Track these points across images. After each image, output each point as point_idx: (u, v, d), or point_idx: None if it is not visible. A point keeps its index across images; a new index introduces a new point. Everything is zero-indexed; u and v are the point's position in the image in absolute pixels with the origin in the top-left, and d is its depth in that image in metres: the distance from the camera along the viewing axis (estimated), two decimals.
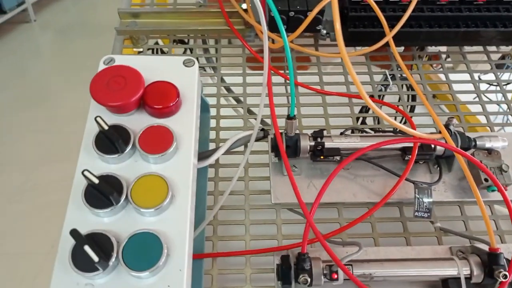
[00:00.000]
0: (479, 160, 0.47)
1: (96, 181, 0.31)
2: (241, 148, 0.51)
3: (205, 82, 0.60)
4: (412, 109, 0.62)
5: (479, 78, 0.63)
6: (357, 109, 0.59)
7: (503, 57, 0.62)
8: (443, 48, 0.61)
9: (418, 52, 0.59)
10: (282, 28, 0.39)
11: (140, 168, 0.35)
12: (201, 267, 0.43)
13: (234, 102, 0.63)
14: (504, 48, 0.59)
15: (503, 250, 0.41)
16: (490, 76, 0.61)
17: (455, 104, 0.56)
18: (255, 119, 0.49)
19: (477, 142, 0.47)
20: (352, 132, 0.57)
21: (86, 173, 0.31)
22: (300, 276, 0.37)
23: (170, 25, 0.58)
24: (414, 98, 0.66)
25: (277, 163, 0.49)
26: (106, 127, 0.33)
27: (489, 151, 0.48)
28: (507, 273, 0.38)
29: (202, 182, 0.48)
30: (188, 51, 0.63)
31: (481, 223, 0.44)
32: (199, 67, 0.63)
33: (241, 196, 0.48)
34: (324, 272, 0.38)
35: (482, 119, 0.56)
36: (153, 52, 0.81)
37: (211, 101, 0.55)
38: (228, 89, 0.65)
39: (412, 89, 0.60)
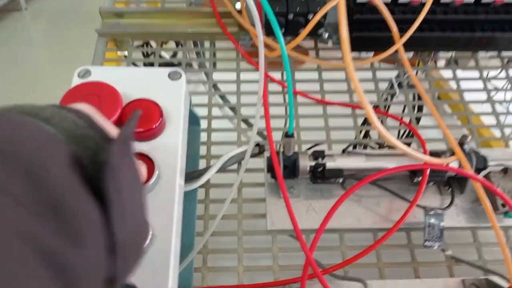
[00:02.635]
0: (495, 181, 0.43)
1: None
2: (235, 166, 0.47)
3: (196, 90, 0.55)
4: (418, 120, 0.57)
5: (494, 88, 0.59)
6: (360, 121, 0.54)
7: None
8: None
9: (429, 57, 0.54)
10: (280, 36, 0.34)
11: None
12: None
13: (229, 112, 0.58)
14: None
15: None
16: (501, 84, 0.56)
17: (467, 115, 0.52)
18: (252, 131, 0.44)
19: (491, 162, 0.43)
20: (355, 147, 0.52)
21: None
22: None
23: (157, 27, 0.52)
24: (420, 108, 0.61)
25: (274, 184, 0.45)
26: None
27: (505, 170, 0.43)
28: None
29: (191, 206, 0.44)
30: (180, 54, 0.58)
31: (495, 250, 0.41)
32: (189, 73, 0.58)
33: (233, 221, 0.44)
34: None
35: (497, 132, 0.52)
36: (143, 54, 0.76)
37: (203, 111, 0.50)
38: (222, 98, 0.60)
39: (420, 98, 0.55)
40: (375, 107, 0.52)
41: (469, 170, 0.38)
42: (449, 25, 0.49)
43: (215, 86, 0.56)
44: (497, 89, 0.58)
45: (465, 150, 0.42)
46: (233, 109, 0.52)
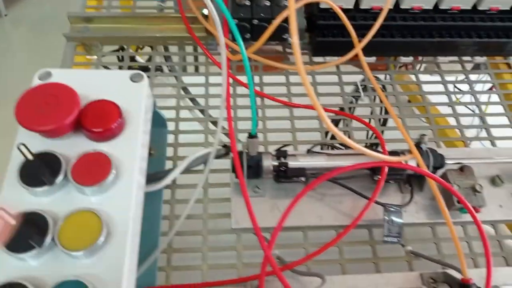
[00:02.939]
0: (452, 179, 0.44)
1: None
2: (202, 167, 0.47)
3: (165, 93, 0.55)
4: (385, 122, 0.59)
5: (455, 87, 0.61)
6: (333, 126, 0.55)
7: (477, 67, 0.60)
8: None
9: (392, 61, 0.56)
10: (239, 39, 0.35)
11: (75, 202, 0.31)
12: None
13: (199, 115, 0.59)
14: (479, 59, 0.56)
15: (475, 275, 0.38)
16: (465, 87, 0.59)
17: (428, 116, 0.54)
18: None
19: (448, 160, 0.45)
20: (322, 148, 0.54)
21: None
22: None
23: (126, 31, 0.53)
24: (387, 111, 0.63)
25: (239, 184, 0.45)
26: (30, 157, 0.29)
27: (462, 168, 0.45)
28: None
29: (156, 206, 0.44)
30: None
31: (453, 245, 0.42)
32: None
33: (199, 221, 0.44)
34: None
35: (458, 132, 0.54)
36: (118, 59, 0.76)
37: (171, 114, 0.51)
38: (192, 100, 0.61)
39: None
40: (341, 109, 0.53)
41: (423, 168, 0.40)
42: (409, 31, 0.51)
43: (185, 89, 0.57)
44: (462, 92, 0.61)
45: (422, 149, 0.43)
46: (202, 111, 0.53)
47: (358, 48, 0.43)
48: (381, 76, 0.60)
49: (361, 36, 0.48)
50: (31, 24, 2.41)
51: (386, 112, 0.61)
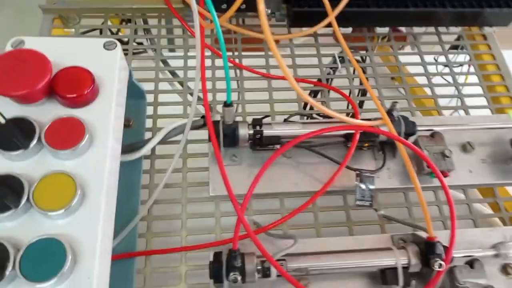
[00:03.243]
0: (423, 144, 0.46)
1: None
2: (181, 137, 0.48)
3: (145, 65, 0.55)
4: (364, 93, 0.60)
5: (435, 60, 0.62)
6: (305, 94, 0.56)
7: (458, 39, 0.61)
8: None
9: (370, 33, 0.56)
10: (212, 8, 0.36)
11: (49, 166, 0.31)
12: (132, 267, 0.41)
13: (178, 87, 0.59)
14: (453, 29, 0.57)
15: (444, 236, 0.40)
16: (441, 59, 0.60)
17: (404, 87, 0.55)
18: (200, 104, 0.46)
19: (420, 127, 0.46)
20: (301, 118, 0.55)
21: None
22: (231, 274, 0.35)
23: (104, 3, 0.53)
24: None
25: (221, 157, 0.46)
26: (2, 121, 0.30)
27: (433, 135, 0.47)
28: (442, 263, 0.37)
29: (135, 175, 0.45)
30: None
31: (416, 209, 0.44)
32: (137, 51, 0.59)
33: (178, 189, 0.45)
34: (258, 268, 0.37)
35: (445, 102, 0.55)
36: (101, 33, 0.76)
37: (150, 86, 0.51)
38: (173, 73, 0.61)
39: (364, 72, 0.58)
40: (318, 80, 0.54)
41: (393, 132, 0.41)
42: (384, 1, 0.51)
43: (164, 62, 0.57)
44: (438, 63, 0.61)
45: (394, 116, 0.44)
46: (181, 83, 0.53)
47: (331, 17, 0.44)
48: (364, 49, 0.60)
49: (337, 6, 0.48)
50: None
51: None
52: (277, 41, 0.54)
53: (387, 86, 0.56)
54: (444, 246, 0.38)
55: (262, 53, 0.55)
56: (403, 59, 0.57)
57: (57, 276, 0.27)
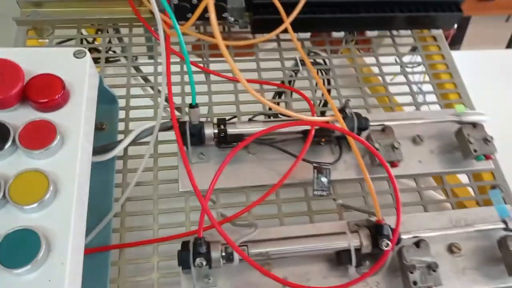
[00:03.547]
0: (374, 138, 0.50)
1: None
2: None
3: (118, 72, 0.59)
4: (329, 92, 0.64)
5: (397, 62, 0.66)
6: (269, 95, 0.61)
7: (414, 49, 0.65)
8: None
9: (327, 38, 0.61)
10: (173, 17, 0.40)
11: (24, 165, 0.34)
12: (107, 259, 0.44)
13: (151, 92, 0.63)
14: (403, 32, 0.62)
15: (392, 221, 0.44)
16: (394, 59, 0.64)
17: (360, 87, 0.59)
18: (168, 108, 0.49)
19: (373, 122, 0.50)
20: (269, 117, 0.58)
21: None
22: (197, 260, 0.38)
23: (76, 14, 0.56)
24: (330, 82, 0.69)
25: (185, 152, 0.50)
26: None
27: (384, 129, 0.51)
28: (389, 242, 0.41)
29: (109, 175, 0.48)
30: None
31: (379, 198, 0.48)
32: (111, 59, 0.62)
33: (150, 187, 0.48)
34: (222, 254, 0.40)
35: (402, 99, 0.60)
36: (81, 42, 0.78)
37: (122, 92, 0.54)
38: (145, 79, 0.64)
39: (325, 74, 0.62)
40: (282, 82, 0.58)
41: (344, 127, 0.45)
42: (338, 8, 0.55)
43: (137, 69, 0.60)
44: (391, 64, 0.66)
45: (347, 113, 0.49)
46: (152, 88, 0.56)
47: (286, 23, 0.48)
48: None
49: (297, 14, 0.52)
50: None
51: (329, 83, 0.67)
52: (251, 46, 0.58)
53: (345, 86, 0.60)
54: (391, 228, 0.43)
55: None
56: (367, 60, 0.62)
57: (32, 263, 0.30)
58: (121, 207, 0.46)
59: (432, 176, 0.56)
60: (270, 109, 0.57)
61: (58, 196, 0.33)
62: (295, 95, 0.58)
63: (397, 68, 0.62)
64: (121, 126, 0.52)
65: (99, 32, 0.70)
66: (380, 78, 0.61)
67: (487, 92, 0.65)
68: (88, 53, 0.41)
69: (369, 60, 0.63)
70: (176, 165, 0.50)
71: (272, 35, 0.51)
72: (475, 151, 0.50)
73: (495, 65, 0.96)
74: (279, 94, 0.64)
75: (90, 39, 0.70)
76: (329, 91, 0.66)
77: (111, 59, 0.67)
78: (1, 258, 0.30)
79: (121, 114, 0.53)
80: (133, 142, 0.48)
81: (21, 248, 0.30)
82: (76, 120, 0.37)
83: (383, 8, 0.57)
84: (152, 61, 0.57)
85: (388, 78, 0.61)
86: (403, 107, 0.63)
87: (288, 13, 0.52)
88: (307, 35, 0.64)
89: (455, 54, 0.64)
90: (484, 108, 0.57)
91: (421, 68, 0.64)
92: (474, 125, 0.51)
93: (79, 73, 0.39)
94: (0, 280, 0.30)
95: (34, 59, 0.38)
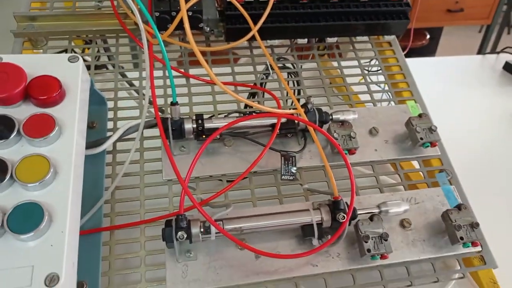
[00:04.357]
0: (333, 129, 0.57)
1: None
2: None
3: (107, 78, 0.65)
4: (299, 92, 0.71)
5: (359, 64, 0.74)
6: (243, 95, 0.67)
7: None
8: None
9: (292, 44, 0.68)
10: (154, 25, 0.46)
11: (28, 151, 0.40)
12: (99, 240, 0.49)
13: (135, 95, 0.69)
14: (360, 38, 0.70)
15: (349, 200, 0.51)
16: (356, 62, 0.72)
17: (323, 87, 0.67)
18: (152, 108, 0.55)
19: (333, 116, 0.58)
20: (243, 115, 0.65)
21: None
22: (178, 233, 0.44)
23: (67, 27, 0.62)
24: (298, 83, 0.76)
25: (168, 144, 0.56)
26: None
27: (343, 122, 0.58)
28: (344, 215, 0.48)
29: (99, 167, 0.54)
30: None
31: (340, 182, 0.55)
32: (100, 66, 0.68)
33: (137, 177, 0.54)
34: (201, 230, 0.46)
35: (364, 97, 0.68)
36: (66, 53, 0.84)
37: (111, 95, 0.61)
38: (130, 84, 0.71)
39: (294, 76, 0.70)
40: (254, 84, 0.65)
41: (305, 118, 0.52)
42: (301, 17, 0.63)
43: (123, 75, 0.67)
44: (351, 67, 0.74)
45: (309, 108, 0.56)
46: (137, 91, 0.62)
47: (253, 31, 0.55)
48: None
49: (263, 23, 0.60)
50: None
51: (298, 84, 0.74)
52: (227, 53, 0.66)
53: (312, 86, 0.67)
54: (347, 204, 0.49)
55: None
56: (334, 63, 0.70)
57: (36, 230, 0.35)
58: (111, 195, 0.52)
59: (390, 163, 0.63)
60: (245, 107, 0.64)
61: (57, 176, 0.39)
62: (266, 95, 0.65)
63: (357, 70, 0.70)
64: (110, 125, 0.58)
65: (90, 42, 0.77)
66: (342, 79, 0.69)
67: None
68: (80, 58, 0.47)
69: (335, 63, 0.71)
70: (159, 158, 0.56)
71: (242, 41, 0.58)
72: (421, 139, 0.58)
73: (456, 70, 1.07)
74: (252, 95, 0.71)
75: (80, 50, 0.76)
76: (298, 91, 0.74)
77: (99, 66, 0.74)
78: (11, 225, 0.35)
79: (110, 114, 0.59)
80: (121, 138, 0.55)
81: (28, 218, 0.36)
82: (72, 113, 0.43)
83: (341, 17, 0.65)
84: (137, 68, 0.64)
85: (349, 80, 0.69)
86: (365, 104, 0.70)
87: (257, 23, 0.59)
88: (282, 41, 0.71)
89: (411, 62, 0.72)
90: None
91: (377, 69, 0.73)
92: (420, 115, 0.59)
93: (73, 75, 0.46)
94: (10, 244, 0.35)
95: (35, 63, 0.44)
